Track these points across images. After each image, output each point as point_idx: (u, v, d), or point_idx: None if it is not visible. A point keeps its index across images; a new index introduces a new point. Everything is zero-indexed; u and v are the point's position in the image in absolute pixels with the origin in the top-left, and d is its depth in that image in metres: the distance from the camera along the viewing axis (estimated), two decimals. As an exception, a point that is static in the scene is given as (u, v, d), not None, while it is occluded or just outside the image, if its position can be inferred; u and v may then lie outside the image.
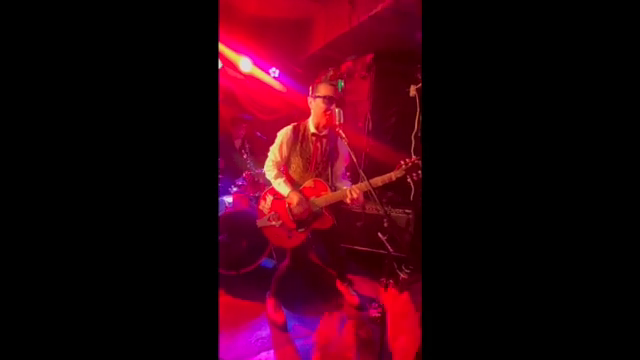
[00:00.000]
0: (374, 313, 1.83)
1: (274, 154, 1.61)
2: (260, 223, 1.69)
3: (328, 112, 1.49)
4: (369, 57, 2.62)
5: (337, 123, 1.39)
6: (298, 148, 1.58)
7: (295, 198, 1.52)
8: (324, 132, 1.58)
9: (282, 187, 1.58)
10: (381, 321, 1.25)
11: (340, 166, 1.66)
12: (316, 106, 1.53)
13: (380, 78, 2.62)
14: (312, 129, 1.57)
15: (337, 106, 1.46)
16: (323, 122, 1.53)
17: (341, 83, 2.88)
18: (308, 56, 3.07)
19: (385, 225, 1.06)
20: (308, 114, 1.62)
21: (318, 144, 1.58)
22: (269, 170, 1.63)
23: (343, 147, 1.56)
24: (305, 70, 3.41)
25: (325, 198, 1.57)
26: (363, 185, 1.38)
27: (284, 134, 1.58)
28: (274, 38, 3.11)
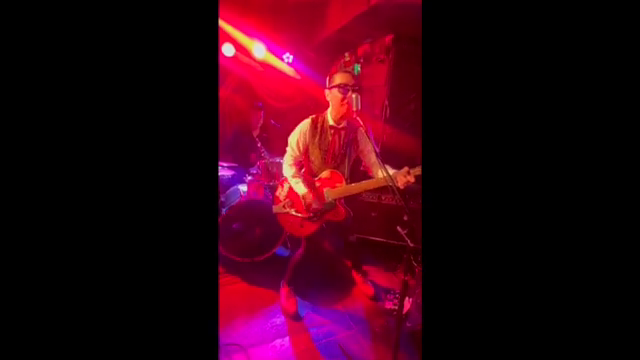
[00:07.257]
0: (390, 305, 1.80)
1: (292, 149, 1.59)
2: (276, 209, 1.71)
3: (345, 101, 1.43)
4: (388, 39, 2.47)
5: (354, 109, 1.32)
6: (316, 140, 1.55)
7: (308, 199, 1.55)
8: (342, 124, 1.53)
9: (299, 187, 1.59)
10: (397, 313, 1.21)
11: (370, 155, 1.57)
12: (333, 97, 1.48)
13: (399, 61, 2.48)
14: (330, 121, 1.52)
15: (354, 92, 1.39)
16: (341, 113, 1.47)
17: (357, 67, 2.75)
18: (323, 40, 2.94)
19: (405, 219, 1.01)
20: (322, 102, 1.57)
21: (336, 137, 1.54)
22: (288, 167, 1.62)
23: (367, 137, 1.46)
24: (320, 55, 3.29)
25: (344, 189, 1.53)
26: (416, 169, 1.32)
27: (302, 127, 1.55)
28: (288, 21, 3.00)
